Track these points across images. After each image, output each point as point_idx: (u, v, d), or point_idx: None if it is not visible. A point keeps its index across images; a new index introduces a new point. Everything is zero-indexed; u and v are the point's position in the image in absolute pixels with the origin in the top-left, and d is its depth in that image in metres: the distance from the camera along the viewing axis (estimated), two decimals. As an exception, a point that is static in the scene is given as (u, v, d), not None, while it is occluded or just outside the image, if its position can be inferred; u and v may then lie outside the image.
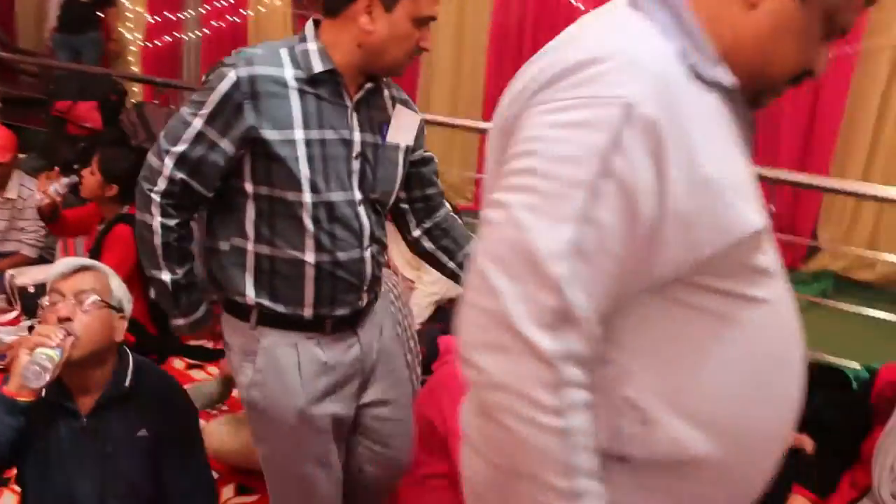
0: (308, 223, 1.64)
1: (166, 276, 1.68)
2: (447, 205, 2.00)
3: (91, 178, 3.28)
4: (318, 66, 1.61)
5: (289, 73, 1.61)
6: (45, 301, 1.74)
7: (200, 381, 3.27)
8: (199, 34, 6.08)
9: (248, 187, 1.64)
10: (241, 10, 5.93)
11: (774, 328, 0.97)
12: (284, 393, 1.72)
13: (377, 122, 1.73)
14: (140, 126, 4.52)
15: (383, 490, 2.11)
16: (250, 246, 1.67)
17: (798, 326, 1.01)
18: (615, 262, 0.85)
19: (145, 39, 6.05)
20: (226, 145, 1.60)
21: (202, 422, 2.02)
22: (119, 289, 1.82)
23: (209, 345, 3.74)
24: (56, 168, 3.60)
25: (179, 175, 1.62)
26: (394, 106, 1.77)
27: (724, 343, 0.93)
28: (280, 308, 1.69)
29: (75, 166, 3.82)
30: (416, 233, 1.97)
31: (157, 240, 1.64)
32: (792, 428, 1.02)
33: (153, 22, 6.02)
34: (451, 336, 1.81)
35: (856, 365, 3.08)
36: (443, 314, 3.53)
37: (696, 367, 0.93)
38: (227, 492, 2.66)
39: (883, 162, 4.54)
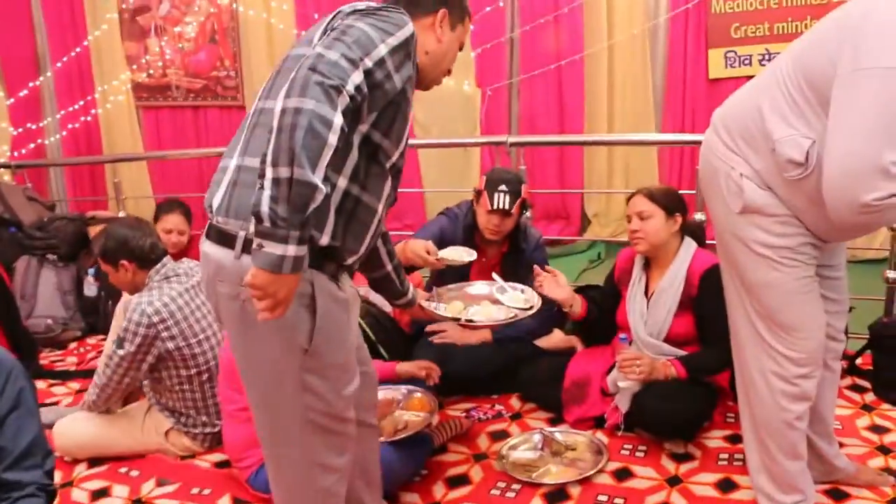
0: (389, 178, 1.69)
1: (320, 182, 1.39)
2: None
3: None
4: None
5: None
6: None
7: (60, 402, 3.51)
8: (59, 136, 6.71)
9: (364, 128, 1.59)
10: (91, 111, 6.64)
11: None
12: (342, 330, 1.67)
13: None
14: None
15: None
16: (343, 182, 1.59)
17: None
18: None
19: (12, 150, 6.62)
20: (397, 81, 1.56)
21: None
22: None
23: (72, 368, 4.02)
24: None
25: (365, 89, 1.49)
26: None
27: None
28: (340, 251, 1.63)
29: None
30: None
31: (334, 138, 1.39)
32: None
33: (16, 133, 6.56)
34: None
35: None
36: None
37: None
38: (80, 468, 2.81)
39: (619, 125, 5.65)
